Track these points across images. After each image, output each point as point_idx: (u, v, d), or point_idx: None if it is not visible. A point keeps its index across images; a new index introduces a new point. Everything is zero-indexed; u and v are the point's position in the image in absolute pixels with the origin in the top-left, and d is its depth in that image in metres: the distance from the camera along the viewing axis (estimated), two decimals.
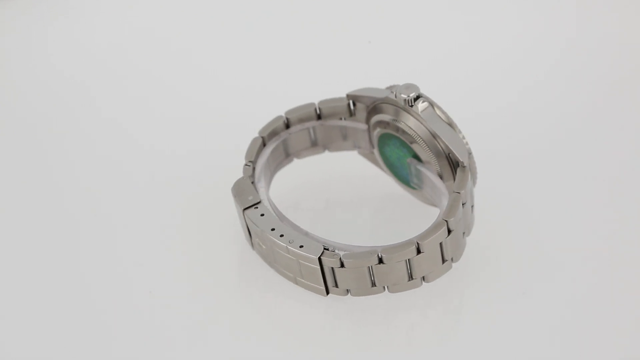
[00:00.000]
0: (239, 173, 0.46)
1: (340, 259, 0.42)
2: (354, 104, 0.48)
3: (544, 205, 0.49)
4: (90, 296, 0.47)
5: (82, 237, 0.50)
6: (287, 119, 0.49)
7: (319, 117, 0.49)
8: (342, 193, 0.51)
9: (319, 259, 0.42)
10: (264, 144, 0.48)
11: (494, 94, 0.57)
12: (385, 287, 0.43)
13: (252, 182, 0.46)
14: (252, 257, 0.47)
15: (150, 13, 0.64)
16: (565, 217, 0.48)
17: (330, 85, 0.52)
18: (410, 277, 0.43)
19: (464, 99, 0.55)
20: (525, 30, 0.61)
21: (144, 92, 0.60)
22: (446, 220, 0.42)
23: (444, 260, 0.44)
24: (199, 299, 0.46)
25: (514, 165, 0.52)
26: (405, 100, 0.45)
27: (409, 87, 0.45)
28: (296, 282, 0.45)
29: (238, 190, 0.46)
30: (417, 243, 0.42)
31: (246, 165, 0.47)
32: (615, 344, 0.43)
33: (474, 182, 0.46)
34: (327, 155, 0.51)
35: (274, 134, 0.48)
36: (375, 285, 0.43)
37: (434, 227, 0.42)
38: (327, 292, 0.44)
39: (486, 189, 0.47)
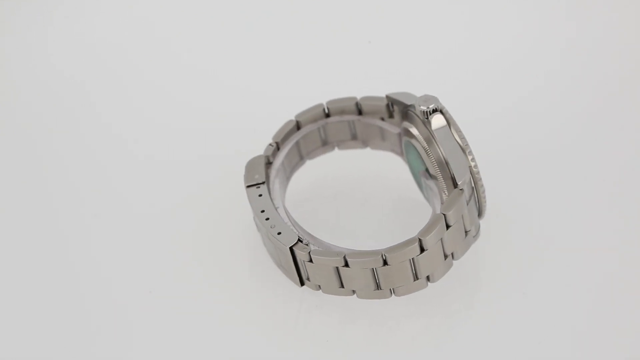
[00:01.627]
0: (237, 173, 0.46)
1: (309, 253, 0.42)
2: (392, 106, 0.47)
3: (544, 205, 0.49)
4: (91, 296, 0.47)
5: (83, 238, 0.50)
6: (327, 108, 0.48)
7: (359, 112, 0.48)
8: (378, 192, 0.50)
9: (291, 248, 0.42)
10: (297, 127, 0.48)
11: (494, 94, 0.57)
12: (354, 290, 0.43)
13: (270, 162, 0.46)
14: (253, 256, 0.47)
15: (150, 13, 0.64)
16: (565, 217, 0.48)
17: (330, 85, 0.52)
18: (378, 286, 0.43)
19: (463, 100, 0.55)
20: (526, 30, 0.61)
21: (144, 92, 0.60)
22: (420, 239, 0.41)
23: (416, 277, 0.43)
24: (199, 299, 0.46)
25: (514, 166, 0.51)
26: (423, 112, 0.43)
27: (428, 99, 0.44)
28: (279, 267, 0.45)
29: (250, 167, 0.46)
30: (384, 254, 0.41)
31: (270, 145, 0.47)
32: (616, 344, 0.43)
33: (482, 212, 0.45)
34: (369, 152, 0.50)
35: (311, 120, 0.48)
36: (343, 287, 0.43)
37: (405, 243, 0.41)
38: (302, 284, 0.44)
39: (487, 190, 0.47)
